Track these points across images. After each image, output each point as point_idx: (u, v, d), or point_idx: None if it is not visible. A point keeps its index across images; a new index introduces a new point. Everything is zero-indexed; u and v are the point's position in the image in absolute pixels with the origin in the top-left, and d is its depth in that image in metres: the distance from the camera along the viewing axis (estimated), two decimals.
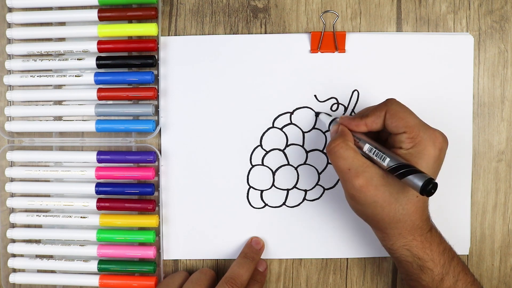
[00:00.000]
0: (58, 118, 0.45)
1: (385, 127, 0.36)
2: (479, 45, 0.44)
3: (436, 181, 0.30)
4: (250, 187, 0.45)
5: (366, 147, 0.35)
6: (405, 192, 0.34)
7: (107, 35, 0.43)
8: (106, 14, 0.42)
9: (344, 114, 0.44)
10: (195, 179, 0.45)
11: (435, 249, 0.35)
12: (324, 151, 0.44)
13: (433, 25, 0.44)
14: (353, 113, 0.44)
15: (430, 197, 0.44)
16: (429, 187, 0.30)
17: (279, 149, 0.45)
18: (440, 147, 0.34)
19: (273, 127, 0.44)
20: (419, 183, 0.30)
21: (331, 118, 0.41)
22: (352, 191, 0.35)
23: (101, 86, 0.44)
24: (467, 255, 0.45)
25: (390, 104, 0.36)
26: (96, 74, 0.43)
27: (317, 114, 0.43)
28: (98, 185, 0.44)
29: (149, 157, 0.43)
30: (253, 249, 0.43)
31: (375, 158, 0.34)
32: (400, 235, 0.35)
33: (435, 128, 0.35)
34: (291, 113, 0.44)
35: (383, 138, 0.38)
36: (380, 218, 0.35)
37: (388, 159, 0.33)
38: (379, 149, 0.34)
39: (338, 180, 0.44)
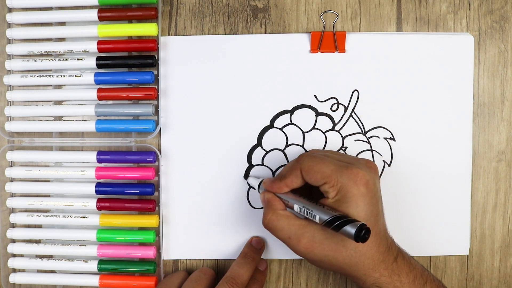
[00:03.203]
0: (58, 118, 0.45)
1: (307, 183, 0.35)
2: (479, 45, 0.44)
3: (367, 226, 0.30)
4: (250, 187, 0.45)
5: (296, 208, 0.35)
6: None
7: (107, 35, 0.43)
8: (106, 14, 0.42)
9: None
10: (195, 179, 0.45)
11: (405, 279, 0.35)
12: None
13: (433, 25, 0.44)
14: (353, 113, 0.44)
15: (428, 198, 0.45)
16: (361, 234, 0.30)
17: (279, 149, 0.45)
18: (363, 182, 0.33)
19: (273, 127, 0.44)
20: (352, 232, 0.30)
21: (259, 181, 0.41)
22: (301, 255, 0.35)
23: (101, 86, 0.44)
24: (467, 255, 0.45)
25: (302, 161, 0.35)
26: (96, 74, 0.43)
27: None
28: (98, 185, 0.44)
29: (149, 157, 0.43)
30: (253, 248, 0.43)
31: (307, 216, 0.34)
32: (366, 275, 0.35)
33: (357, 161, 0.35)
34: (291, 113, 0.44)
35: None
36: (339, 267, 0.35)
37: (318, 216, 0.33)
38: (307, 207, 0.34)
39: None
